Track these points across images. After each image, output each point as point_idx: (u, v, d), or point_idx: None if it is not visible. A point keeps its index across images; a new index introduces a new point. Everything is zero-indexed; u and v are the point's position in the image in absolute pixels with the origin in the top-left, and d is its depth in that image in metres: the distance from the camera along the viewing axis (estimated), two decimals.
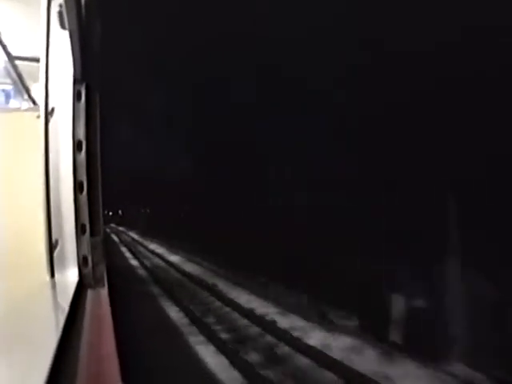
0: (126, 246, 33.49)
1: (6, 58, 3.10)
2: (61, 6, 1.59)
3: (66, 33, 1.62)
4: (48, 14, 1.73)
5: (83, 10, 1.59)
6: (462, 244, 12.41)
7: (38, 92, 3.23)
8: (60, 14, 1.62)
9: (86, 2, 1.64)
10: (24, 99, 3.54)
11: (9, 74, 3.40)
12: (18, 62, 3.19)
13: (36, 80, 3.30)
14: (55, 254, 1.67)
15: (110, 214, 75.51)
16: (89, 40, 1.68)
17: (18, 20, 3.07)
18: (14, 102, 3.60)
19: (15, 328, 1.22)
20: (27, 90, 3.27)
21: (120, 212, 76.95)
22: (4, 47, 2.93)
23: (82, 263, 1.69)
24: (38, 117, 1.79)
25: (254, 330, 8.78)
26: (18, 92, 3.58)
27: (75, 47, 1.61)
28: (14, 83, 3.45)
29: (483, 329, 9.16)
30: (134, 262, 22.03)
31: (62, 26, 1.65)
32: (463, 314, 9.98)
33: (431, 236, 12.17)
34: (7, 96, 3.56)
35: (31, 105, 3.37)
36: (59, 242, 1.67)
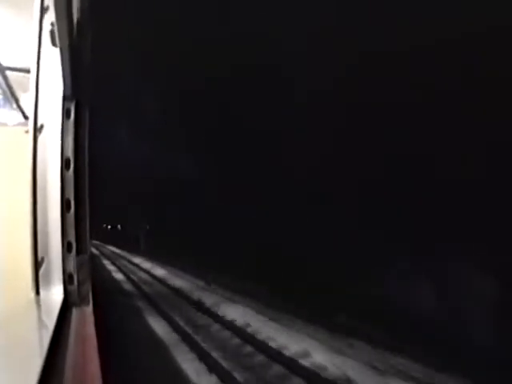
0: (108, 259, 33.65)
1: None
2: (52, 24, 1.64)
3: (57, 50, 1.67)
4: (40, 31, 1.77)
5: (75, 29, 1.63)
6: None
7: (26, 102, 3.27)
8: (52, 32, 1.67)
9: (77, 21, 1.69)
10: (13, 108, 3.56)
11: None
12: (7, 72, 3.22)
13: (25, 90, 3.34)
14: (41, 271, 1.70)
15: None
16: (79, 58, 1.72)
17: (8, 25, 3.10)
18: (2, 111, 3.63)
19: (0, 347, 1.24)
20: (16, 100, 3.30)
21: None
22: None
23: (67, 281, 1.72)
24: (27, 132, 1.83)
25: (246, 348, 8.76)
26: (6, 101, 3.61)
27: (66, 65, 1.65)
28: (3, 92, 3.48)
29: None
30: (119, 276, 21.96)
31: (54, 43, 1.69)
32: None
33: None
34: None
35: (20, 114, 3.40)
36: (45, 260, 1.70)
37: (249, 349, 8.62)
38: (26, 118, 3.19)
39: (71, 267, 1.72)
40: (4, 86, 3.32)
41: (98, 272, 20.81)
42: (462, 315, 11.02)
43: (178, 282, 18.30)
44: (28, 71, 2.92)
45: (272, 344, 8.72)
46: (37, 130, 1.74)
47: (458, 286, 12.36)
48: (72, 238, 1.73)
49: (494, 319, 10.45)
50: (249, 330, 9.93)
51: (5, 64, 3.20)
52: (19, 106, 3.31)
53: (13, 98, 3.30)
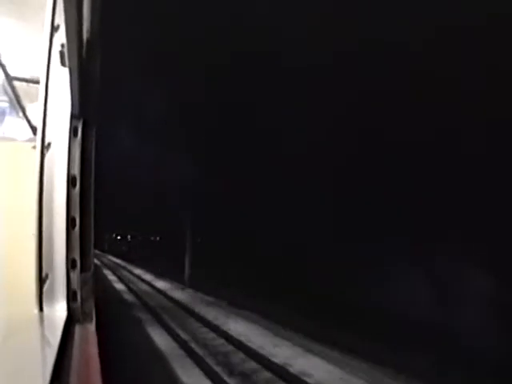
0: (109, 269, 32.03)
1: (4, 78, 3.17)
2: (63, 45, 1.67)
3: (66, 70, 1.70)
4: (49, 50, 1.81)
5: (84, 51, 1.66)
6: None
7: (33, 112, 3.31)
8: (61, 53, 1.70)
9: (87, 42, 1.72)
10: (19, 117, 3.60)
11: (5, 92, 3.47)
12: (15, 82, 3.26)
13: (32, 100, 3.38)
14: (45, 287, 1.73)
15: None
16: (88, 79, 1.75)
17: (15, 36, 3.15)
18: (10, 119, 3.68)
19: (4, 364, 1.26)
20: (23, 110, 3.34)
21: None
22: (3, 67, 3.01)
23: (71, 298, 1.74)
24: (34, 147, 1.86)
25: (250, 364, 8.75)
26: (13, 109, 3.65)
27: (74, 85, 1.69)
28: (10, 101, 3.52)
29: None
30: (121, 287, 21.58)
31: (63, 64, 1.73)
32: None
33: None
34: (3, 113, 3.64)
35: (26, 123, 3.43)
36: (49, 276, 1.73)
37: (253, 364, 8.61)
38: (32, 127, 3.23)
39: (75, 284, 1.75)
40: (11, 95, 3.36)
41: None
42: (462, 315, 11.02)
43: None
44: (35, 82, 2.96)
45: (274, 359, 8.72)
46: (44, 147, 1.77)
47: (457, 286, 12.36)
48: (76, 255, 1.75)
49: (493, 319, 10.45)
50: (251, 344, 9.93)
51: (12, 74, 3.25)
52: (26, 116, 3.35)
53: (20, 107, 3.34)
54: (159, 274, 27.46)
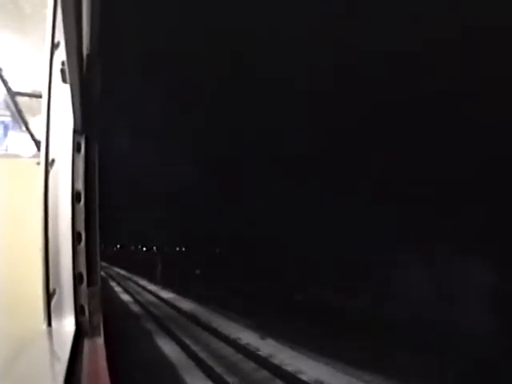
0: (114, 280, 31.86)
1: (6, 93, 3.22)
2: (63, 63, 1.71)
3: (67, 86, 1.74)
4: (50, 68, 1.85)
5: (84, 67, 1.70)
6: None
7: (35, 126, 3.35)
8: (62, 71, 1.74)
9: (87, 57, 1.76)
10: (22, 131, 3.65)
11: (8, 107, 3.53)
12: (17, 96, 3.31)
13: (34, 113, 3.43)
14: (52, 302, 1.76)
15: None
16: (89, 94, 1.79)
17: (14, 50, 3.20)
18: (13, 134, 3.73)
19: (16, 380, 1.30)
20: (26, 124, 3.39)
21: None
22: (5, 83, 3.06)
23: (79, 312, 1.78)
24: (38, 163, 1.90)
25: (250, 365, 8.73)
26: (16, 123, 3.71)
27: (76, 101, 1.73)
28: (13, 115, 3.57)
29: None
30: (127, 297, 21.39)
31: (64, 81, 1.77)
32: None
33: None
34: (6, 128, 3.69)
35: (29, 137, 3.48)
36: (57, 291, 1.77)
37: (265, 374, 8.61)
38: (35, 141, 3.28)
39: (82, 298, 1.78)
40: (13, 109, 3.41)
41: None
42: (462, 309, 11.04)
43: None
44: (37, 96, 3.00)
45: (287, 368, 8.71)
46: (48, 164, 1.81)
47: (458, 281, 12.39)
48: (83, 269, 1.79)
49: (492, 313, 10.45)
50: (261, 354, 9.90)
51: (14, 88, 3.30)
52: (29, 130, 3.40)
53: (22, 122, 3.39)
54: None
